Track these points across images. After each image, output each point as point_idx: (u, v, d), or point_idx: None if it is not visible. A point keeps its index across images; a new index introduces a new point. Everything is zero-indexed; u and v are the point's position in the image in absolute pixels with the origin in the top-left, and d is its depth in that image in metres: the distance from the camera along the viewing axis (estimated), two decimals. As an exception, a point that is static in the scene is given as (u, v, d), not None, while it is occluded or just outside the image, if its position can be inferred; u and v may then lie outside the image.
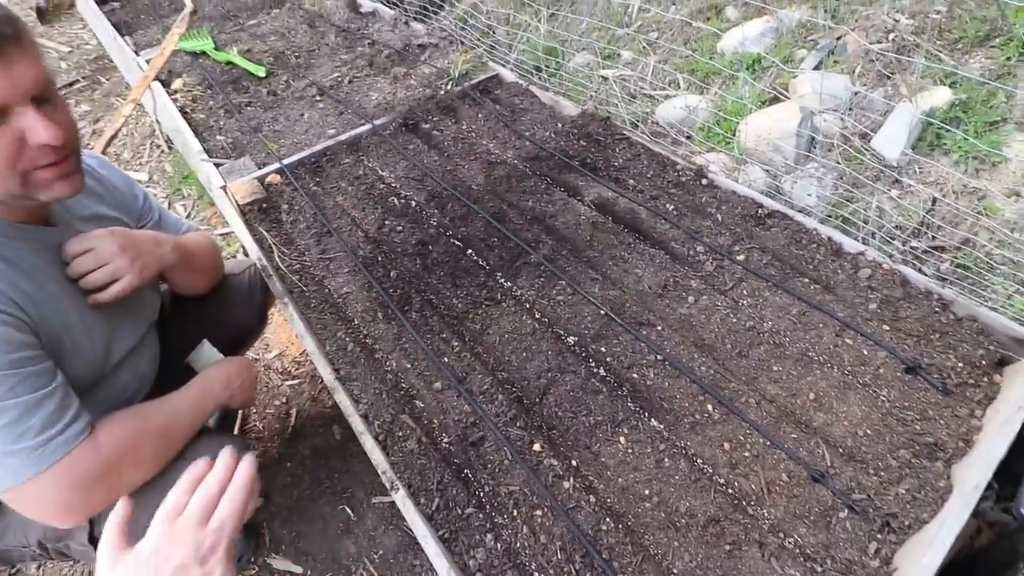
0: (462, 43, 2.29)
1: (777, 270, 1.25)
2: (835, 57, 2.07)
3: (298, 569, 1.30)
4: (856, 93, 1.86)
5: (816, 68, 2.07)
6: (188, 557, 0.55)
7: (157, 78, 2.16)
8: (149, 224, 1.07)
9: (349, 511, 1.37)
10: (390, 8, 2.62)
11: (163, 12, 2.90)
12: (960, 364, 1.04)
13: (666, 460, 0.98)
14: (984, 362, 1.04)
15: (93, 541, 0.88)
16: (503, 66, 2.15)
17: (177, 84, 2.14)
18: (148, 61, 2.22)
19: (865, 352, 1.09)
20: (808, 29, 2.18)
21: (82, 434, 0.75)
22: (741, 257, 1.28)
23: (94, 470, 0.75)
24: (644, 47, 2.49)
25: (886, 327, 1.13)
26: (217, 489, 0.61)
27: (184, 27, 2.25)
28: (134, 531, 0.61)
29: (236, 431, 1.55)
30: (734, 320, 1.16)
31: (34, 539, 0.90)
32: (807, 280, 1.22)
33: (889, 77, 1.87)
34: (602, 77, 2.36)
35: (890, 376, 1.05)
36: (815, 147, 1.77)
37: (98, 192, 0.98)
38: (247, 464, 0.63)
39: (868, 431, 0.99)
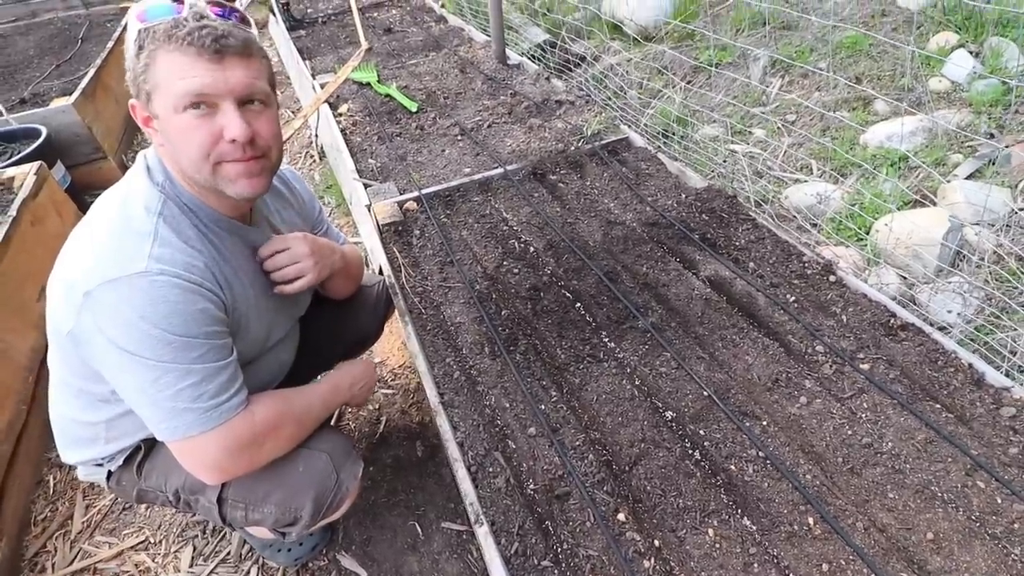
0: (596, 103, 2.40)
1: (905, 388, 1.17)
2: (996, 168, 1.93)
3: (363, 572, 1.36)
4: (1017, 211, 1.71)
5: (970, 176, 1.94)
6: None
7: (327, 101, 2.48)
8: (320, 233, 1.23)
9: (419, 529, 1.42)
10: (534, 63, 2.81)
11: (339, 44, 3.33)
12: (1123, 543, 0.91)
13: (755, 566, 0.94)
14: None
15: (220, 502, 1.01)
16: (631, 128, 2.22)
17: (343, 108, 2.44)
18: (322, 85, 2.55)
19: (999, 501, 0.99)
20: (967, 134, 2.05)
21: (242, 405, 0.87)
22: (865, 366, 1.21)
23: (245, 438, 0.87)
24: (779, 128, 2.46)
25: (1029, 478, 1.01)
26: None
27: (358, 61, 2.57)
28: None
29: (332, 424, 1.68)
30: (849, 432, 1.10)
31: (172, 487, 1.04)
32: (939, 406, 1.13)
33: (1061, 199, 1.71)
34: (730, 150, 2.37)
35: (1029, 535, 0.94)
36: (961, 261, 1.65)
37: (292, 201, 1.15)
38: None
39: (994, 592, 0.89)
